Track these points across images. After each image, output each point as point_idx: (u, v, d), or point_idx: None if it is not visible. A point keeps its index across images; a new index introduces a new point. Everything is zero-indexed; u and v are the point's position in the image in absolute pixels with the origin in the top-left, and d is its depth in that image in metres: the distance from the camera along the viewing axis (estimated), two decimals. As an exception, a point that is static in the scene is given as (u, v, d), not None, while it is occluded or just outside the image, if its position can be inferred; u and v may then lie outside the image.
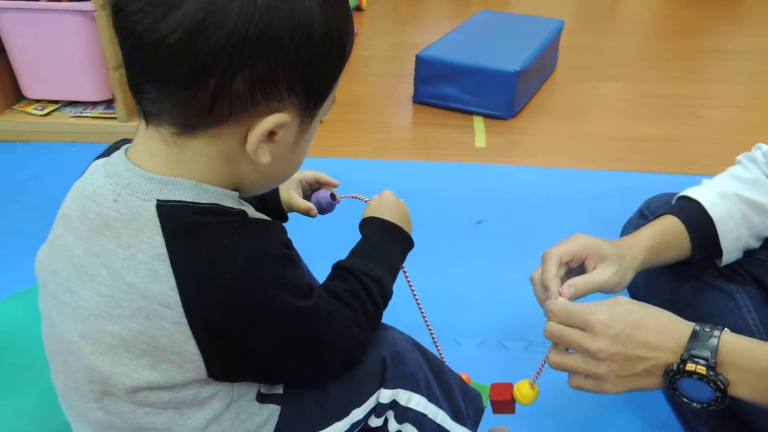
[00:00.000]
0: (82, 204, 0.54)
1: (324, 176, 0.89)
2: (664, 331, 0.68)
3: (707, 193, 0.91)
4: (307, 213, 0.85)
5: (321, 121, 0.59)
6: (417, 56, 2.07)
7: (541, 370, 0.80)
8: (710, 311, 0.93)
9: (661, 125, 2.01)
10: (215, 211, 0.53)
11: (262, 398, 0.61)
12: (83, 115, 1.84)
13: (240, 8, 0.46)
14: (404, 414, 0.70)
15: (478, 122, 2.02)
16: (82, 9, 1.67)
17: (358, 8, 3.09)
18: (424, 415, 0.72)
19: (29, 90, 1.86)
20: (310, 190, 0.89)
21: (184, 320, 0.51)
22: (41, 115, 1.83)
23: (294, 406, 0.64)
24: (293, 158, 0.58)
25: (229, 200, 0.55)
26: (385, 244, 0.73)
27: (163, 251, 0.50)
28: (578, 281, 0.81)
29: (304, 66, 0.51)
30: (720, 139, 1.92)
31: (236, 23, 0.46)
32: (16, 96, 1.88)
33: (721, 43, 2.84)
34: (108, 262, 0.51)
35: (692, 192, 0.93)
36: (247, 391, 0.60)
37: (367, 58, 2.62)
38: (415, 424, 0.72)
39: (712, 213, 0.89)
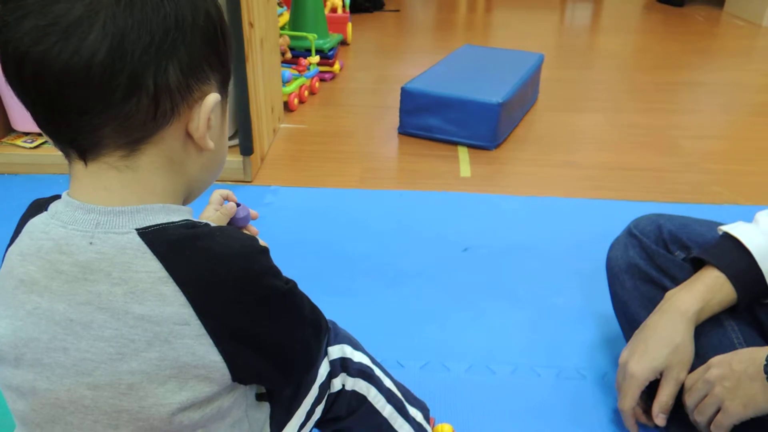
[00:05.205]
0: (46, 261, 0.52)
1: (223, 192, 0.84)
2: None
3: (757, 239, 0.93)
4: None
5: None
6: (402, 88, 2.12)
7: None
8: (695, 330, 0.94)
9: (641, 155, 2.06)
10: (189, 226, 0.54)
11: (259, 398, 0.65)
12: (72, 147, 1.86)
13: (151, 1, 0.49)
14: (352, 366, 0.76)
15: (463, 152, 2.06)
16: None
17: (344, 42, 3.15)
18: (371, 368, 0.78)
19: (18, 123, 1.87)
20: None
21: (203, 331, 0.52)
22: (30, 148, 1.84)
23: (276, 396, 0.68)
24: (224, 140, 0.62)
25: (192, 215, 0.57)
26: None
27: (164, 273, 0.51)
28: (663, 400, 0.93)
29: (214, 41, 0.55)
30: (697, 168, 1.98)
31: (155, 15, 0.49)
32: (5, 129, 1.90)
33: (697, 75, 2.93)
34: (105, 304, 0.51)
35: (740, 233, 0.94)
36: (252, 394, 0.63)
37: (352, 90, 2.67)
38: (366, 378, 0.77)
39: (763, 266, 0.91)
